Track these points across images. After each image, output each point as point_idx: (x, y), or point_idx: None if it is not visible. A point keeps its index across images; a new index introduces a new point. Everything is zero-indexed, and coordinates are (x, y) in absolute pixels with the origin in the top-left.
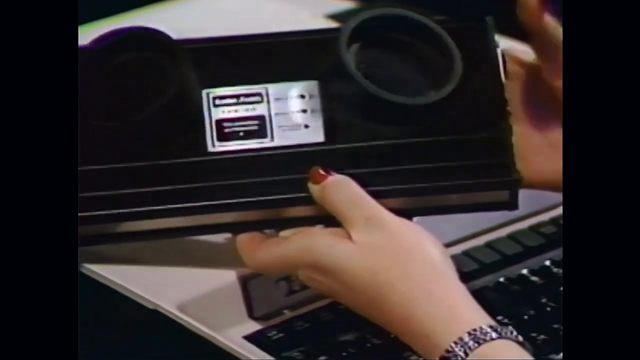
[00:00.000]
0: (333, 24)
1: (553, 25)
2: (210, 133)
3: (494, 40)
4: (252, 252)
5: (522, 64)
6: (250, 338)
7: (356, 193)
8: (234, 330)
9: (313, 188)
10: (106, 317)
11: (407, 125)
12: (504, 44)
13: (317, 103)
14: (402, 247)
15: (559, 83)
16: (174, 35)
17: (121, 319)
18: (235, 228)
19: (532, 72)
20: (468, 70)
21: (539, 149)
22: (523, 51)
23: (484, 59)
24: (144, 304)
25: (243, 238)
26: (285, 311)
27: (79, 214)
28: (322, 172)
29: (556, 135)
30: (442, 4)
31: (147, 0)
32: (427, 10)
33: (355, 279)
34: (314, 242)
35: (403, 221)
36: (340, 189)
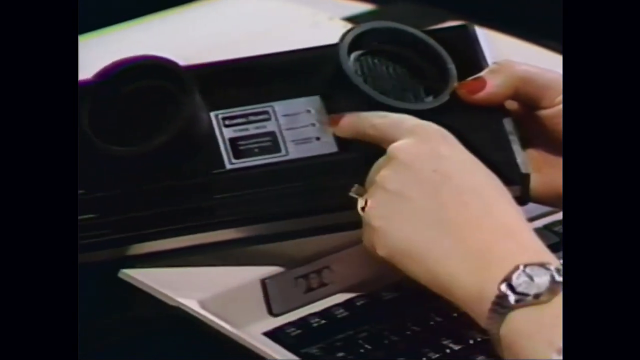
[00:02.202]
0: (349, 26)
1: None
2: (225, 151)
3: (479, 44)
4: None
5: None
6: (270, 334)
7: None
8: (253, 327)
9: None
10: (128, 315)
11: None
12: (511, 44)
13: (324, 116)
14: None
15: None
16: (190, 46)
17: (143, 316)
18: (260, 241)
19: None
20: (461, 75)
21: (548, 162)
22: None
23: (473, 62)
24: (166, 301)
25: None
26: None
27: (109, 237)
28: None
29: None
30: (458, 4)
31: (169, 2)
32: (443, 11)
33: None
34: None
35: None
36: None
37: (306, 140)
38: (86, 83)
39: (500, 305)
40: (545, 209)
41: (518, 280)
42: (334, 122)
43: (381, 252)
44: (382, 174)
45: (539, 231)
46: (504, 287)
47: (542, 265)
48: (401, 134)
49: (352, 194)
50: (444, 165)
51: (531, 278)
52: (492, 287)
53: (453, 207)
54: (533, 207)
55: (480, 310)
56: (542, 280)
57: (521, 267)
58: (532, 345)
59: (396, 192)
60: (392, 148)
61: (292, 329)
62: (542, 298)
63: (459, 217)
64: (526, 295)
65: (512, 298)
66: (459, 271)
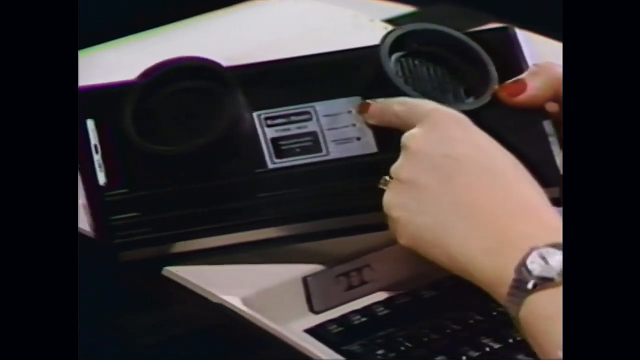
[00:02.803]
0: (390, 28)
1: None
2: (267, 151)
3: (520, 46)
4: None
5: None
6: (311, 332)
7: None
8: (295, 324)
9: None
10: (171, 312)
11: None
12: (551, 46)
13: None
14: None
15: None
16: (234, 47)
17: (186, 313)
18: (301, 239)
19: None
20: (501, 77)
21: None
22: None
23: (514, 64)
24: (209, 298)
25: None
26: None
27: (153, 235)
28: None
29: None
30: (498, 6)
31: (212, 4)
32: (484, 13)
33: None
34: None
35: None
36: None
37: (347, 141)
38: (130, 84)
39: (519, 289)
40: None
41: (532, 264)
42: (364, 110)
43: (402, 241)
44: (396, 164)
45: None
46: (521, 271)
47: (554, 245)
48: (416, 120)
49: (380, 186)
50: (456, 148)
51: (545, 260)
52: (510, 270)
53: (468, 190)
54: None
55: (500, 293)
56: (554, 260)
57: (535, 251)
58: (552, 327)
59: (410, 181)
60: (404, 138)
61: (333, 326)
62: (557, 280)
63: (475, 199)
64: (544, 278)
65: (530, 282)
66: (478, 254)
